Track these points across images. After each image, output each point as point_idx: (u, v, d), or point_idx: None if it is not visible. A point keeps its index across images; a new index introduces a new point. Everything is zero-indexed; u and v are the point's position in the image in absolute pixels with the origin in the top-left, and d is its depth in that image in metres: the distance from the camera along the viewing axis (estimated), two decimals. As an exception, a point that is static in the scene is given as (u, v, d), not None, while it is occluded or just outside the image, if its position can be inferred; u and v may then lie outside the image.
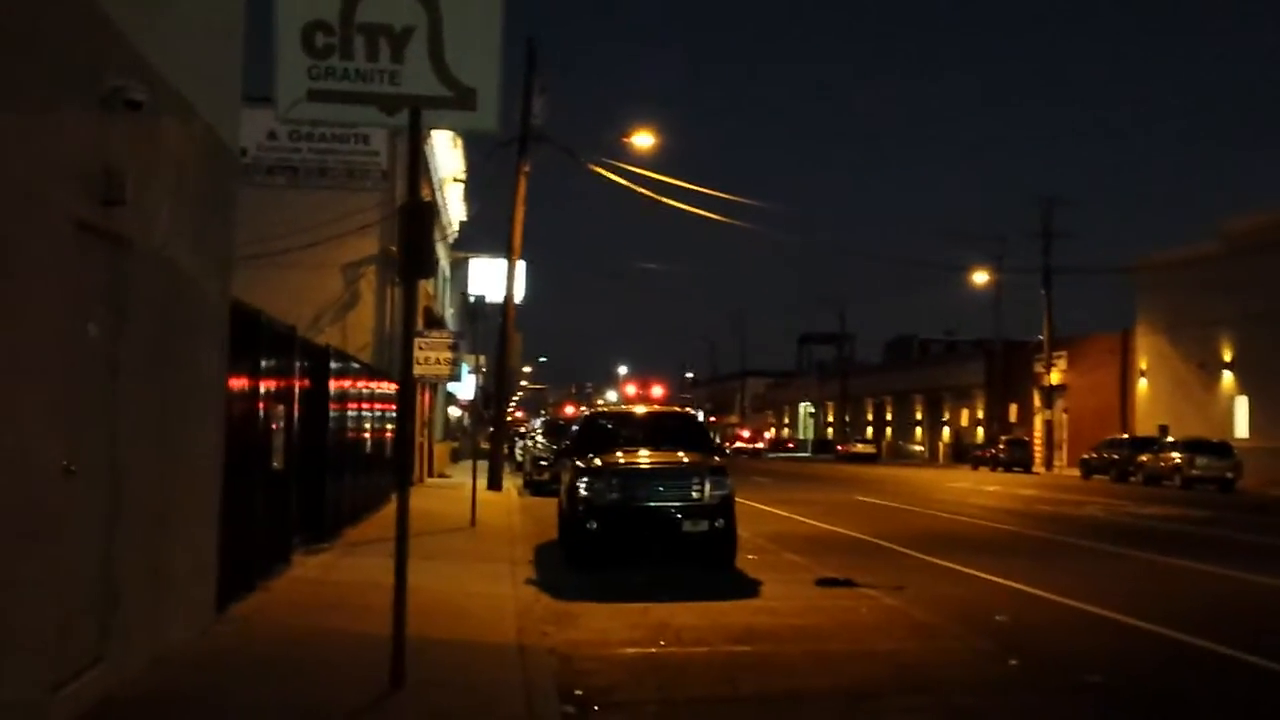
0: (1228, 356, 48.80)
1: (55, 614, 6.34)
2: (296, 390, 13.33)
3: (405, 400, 9.51)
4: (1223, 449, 41.24)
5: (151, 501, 7.90)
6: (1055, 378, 59.95)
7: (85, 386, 6.79)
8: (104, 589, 7.20)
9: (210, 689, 7.63)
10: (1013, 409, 67.97)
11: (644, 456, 15.81)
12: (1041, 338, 60.87)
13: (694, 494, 14.61)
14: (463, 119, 8.53)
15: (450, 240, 41.92)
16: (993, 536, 20.61)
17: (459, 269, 46.07)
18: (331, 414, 15.99)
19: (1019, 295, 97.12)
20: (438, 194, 34.27)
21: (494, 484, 29.45)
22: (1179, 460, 40.99)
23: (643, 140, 32.26)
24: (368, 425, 20.34)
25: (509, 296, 31.46)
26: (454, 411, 52.51)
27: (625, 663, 9.35)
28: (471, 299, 42.09)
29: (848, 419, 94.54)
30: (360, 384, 19.34)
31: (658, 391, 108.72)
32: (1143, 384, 55.62)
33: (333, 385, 16.08)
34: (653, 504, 14.61)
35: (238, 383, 10.53)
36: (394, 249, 12.75)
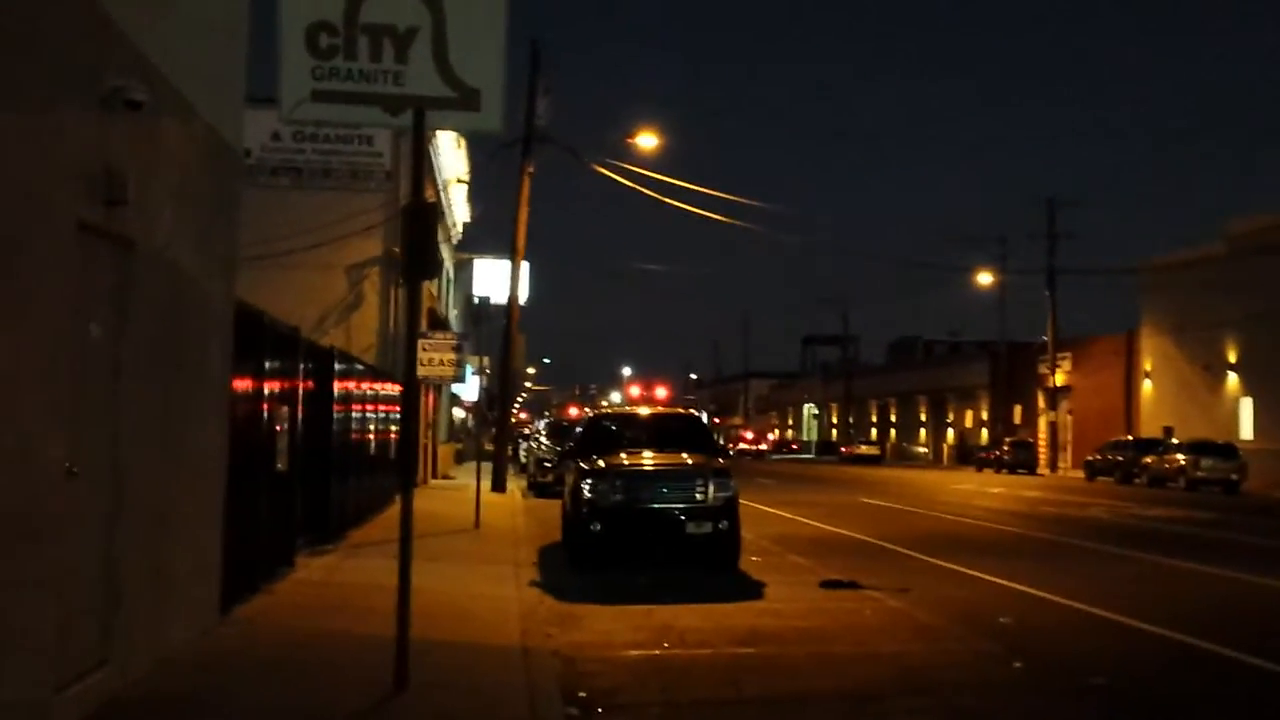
0: (1232, 358, 48.72)
1: (58, 615, 6.33)
2: (300, 392, 13.33)
3: (409, 402, 9.51)
4: (1228, 451, 41.16)
5: (155, 503, 7.89)
6: (1060, 379, 59.87)
7: (87, 388, 6.77)
8: (107, 590, 7.19)
9: (214, 691, 7.62)
10: (1017, 410, 67.88)
11: (648, 458, 15.80)
12: (1046, 339, 60.82)
13: (698, 496, 14.59)
14: (466, 120, 8.54)
15: (454, 241, 41.92)
16: (997, 538, 20.58)
17: (463, 270, 46.08)
18: (336, 415, 15.98)
19: (1023, 296, 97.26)
20: (442, 195, 34.26)
21: (498, 486, 29.45)
22: (1184, 462, 40.92)
23: (646, 141, 32.26)
24: (372, 427, 20.33)
25: (513, 298, 31.46)
26: (458, 413, 52.56)
27: (629, 665, 9.34)
28: (476, 300, 42.11)
29: (851, 420, 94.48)
30: (364, 385, 19.33)
31: (661, 393, 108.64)
32: (1147, 385, 55.54)
33: (337, 386, 16.07)
34: (656, 506, 14.59)
35: (241, 384, 10.52)
36: (398, 250, 12.75)
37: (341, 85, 7.86)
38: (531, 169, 31.00)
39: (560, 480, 20.28)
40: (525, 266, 33.20)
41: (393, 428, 22.52)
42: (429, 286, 30.70)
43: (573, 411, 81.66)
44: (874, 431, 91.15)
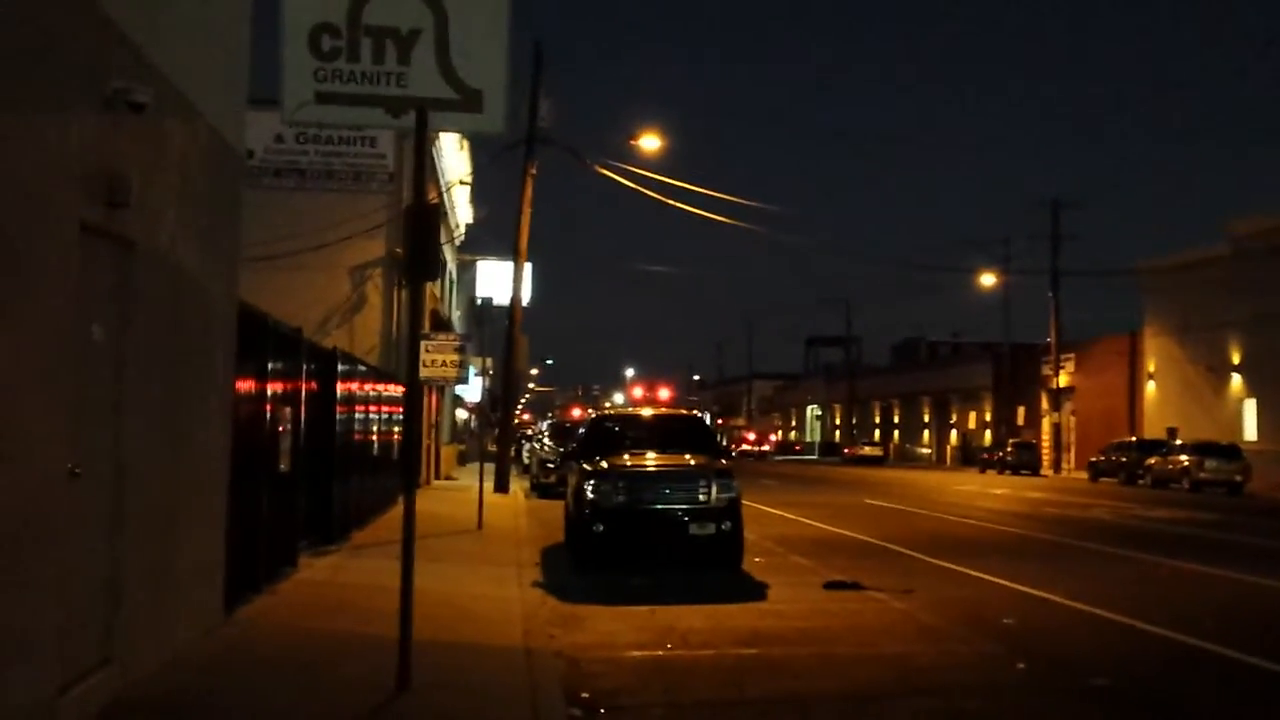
0: (1236, 359, 48.67)
1: (61, 616, 6.33)
2: (303, 393, 13.34)
3: (412, 403, 9.52)
4: (1231, 452, 41.11)
5: (158, 504, 7.90)
6: (1063, 380, 59.84)
7: (90, 388, 6.78)
8: (110, 591, 7.20)
9: (217, 691, 7.62)
10: (1020, 411, 67.87)
11: (650, 459, 15.81)
12: (1049, 340, 60.80)
13: (701, 497, 14.59)
14: (469, 121, 8.54)
15: (457, 242, 41.94)
16: (1000, 539, 20.56)
17: (466, 271, 46.08)
18: (338, 416, 15.99)
19: (1025, 298, 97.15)
20: (445, 196, 34.27)
21: (501, 487, 29.47)
22: (1187, 463, 40.87)
23: (649, 143, 32.28)
24: (375, 428, 20.34)
25: (515, 299, 31.47)
26: (461, 414, 52.56)
27: (632, 665, 9.34)
28: (479, 301, 42.10)
29: (855, 421, 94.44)
30: (367, 386, 19.34)
31: (665, 394, 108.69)
32: (1151, 386, 55.49)
33: (340, 388, 16.08)
34: (659, 507, 14.60)
35: (244, 385, 10.53)
36: (400, 251, 12.75)
37: (344, 87, 7.86)
38: (534, 170, 31.01)
39: (563, 481, 20.28)
40: (528, 267, 33.20)
41: (396, 429, 22.54)
42: (432, 288, 30.73)
43: (575, 412, 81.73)
44: (877, 433, 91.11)
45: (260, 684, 7.88)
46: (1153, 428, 52.50)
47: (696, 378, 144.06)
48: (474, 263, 44.03)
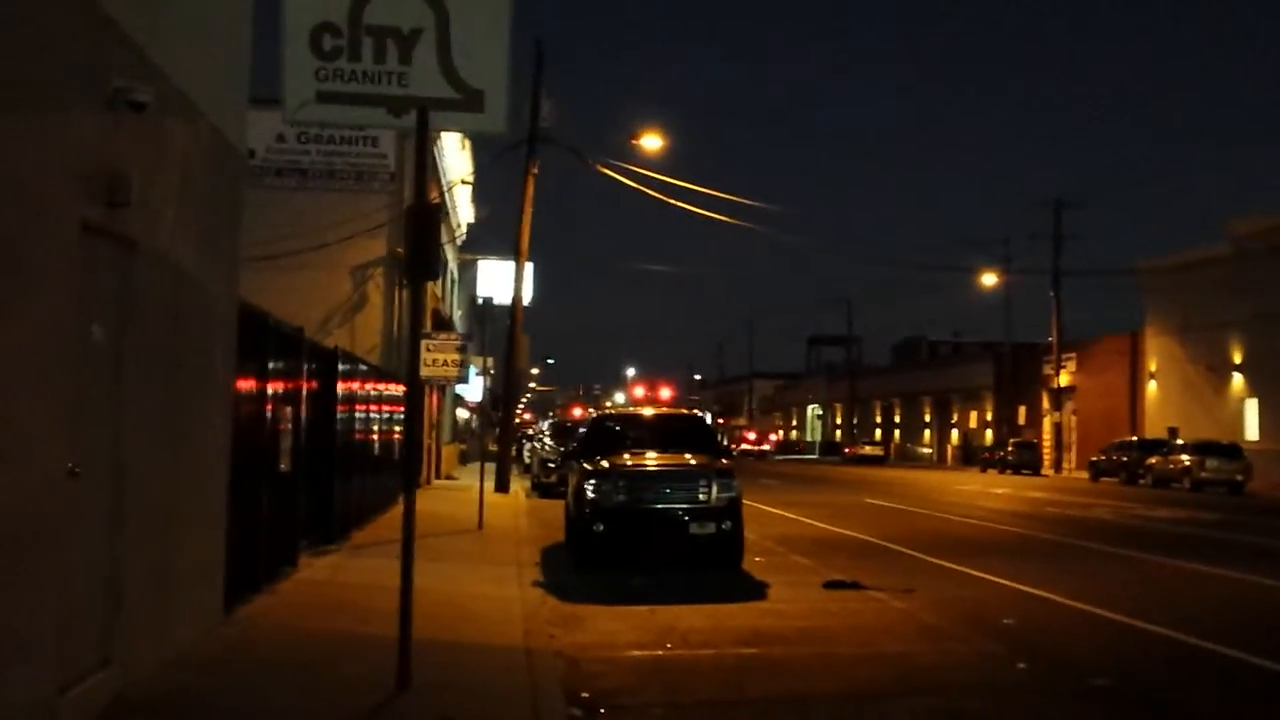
0: (1237, 359, 48.67)
1: (60, 615, 6.33)
2: (304, 392, 13.33)
3: (413, 402, 9.52)
4: (1233, 451, 41.10)
5: (157, 503, 7.90)
6: (1064, 380, 59.85)
7: (90, 388, 6.78)
8: (110, 591, 7.20)
9: (217, 691, 7.63)
10: (1021, 411, 67.86)
11: (651, 459, 15.81)
12: (1050, 340, 60.80)
13: (701, 496, 14.60)
14: (470, 121, 8.54)
15: (459, 242, 41.95)
16: (1001, 539, 20.56)
17: (467, 271, 46.08)
18: (339, 416, 15.99)
19: (1026, 297, 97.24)
20: (446, 196, 34.28)
21: (501, 486, 29.47)
22: (1188, 462, 40.87)
23: (651, 143, 32.28)
24: (376, 427, 20.34)
25: (517, 298, 31.47)
26: (462, 413, 52.57)
27: (632, 665, 9.34)
28: (480, 301, 42.11)
29: (856, 421, 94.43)
30: (368, 386, 19.35)
31: (666, 393, 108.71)
32: (1152, 386, 55.48)
33: (340, 387, 16.08)
34: (660, 506, 14.60)
35: (245, 384, 10.53)
36: (402, 251, 12.76)
37: (345, 86, 7.86)
38: (535, 170, 31.01)
39: (563, 481, 20.29)
40: (529, 267, 33.20)
41: (397, 428, 22.54)
42: (433, 287, 30.74)
43: (576, 412, 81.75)
44: (878, 432, 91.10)
45: (260, 684, 7.88)
46: (1154, 427, 52.50)
47: (697, 377, 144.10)
48: (475, 262, 44.03)
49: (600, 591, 12.93)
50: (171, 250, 7.98)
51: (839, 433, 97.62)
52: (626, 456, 15.84)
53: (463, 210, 40.47)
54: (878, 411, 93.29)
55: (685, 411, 23.90)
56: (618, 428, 18.28)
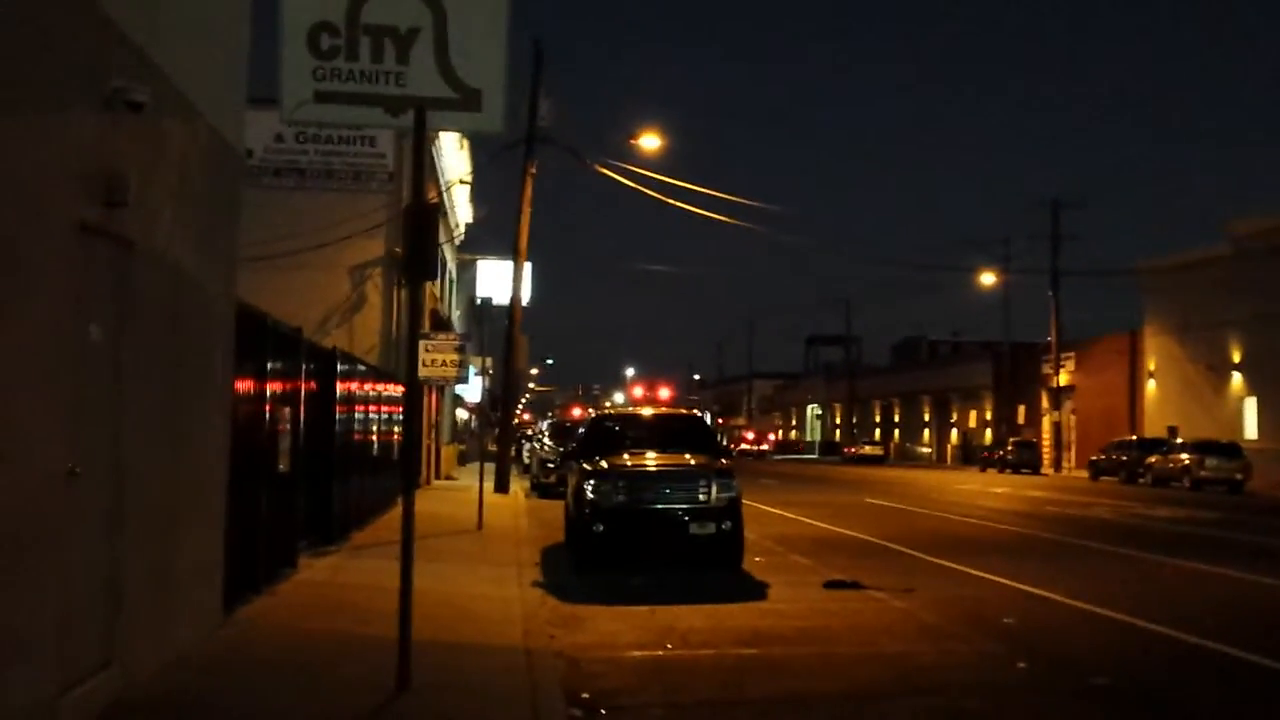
0: (1236, 357, 48.68)
1: (60, 617, 6.32)
2: (303, 392, 13.31)
3: (411, 403, 9.51)
4: (1232, 450, 41.12)
5: (157, 504, 7.89)
6: (1063, 379, 59.89)
7: (89, 388, 6.76)
8: (110, 592, 7.18)
9: (217, 692, 7.61)
10: (1021, 410, 67.89)
11: (650, 459, 15.79)
12: (1049, 339, 60.83)
13: (701, 496, 14.58)
14: (468, 121, 8.52)
15: (457, 242, 41.94)
16: (1001, 538, 20.55)
17: (466, 271, 46.08)
18: (338, 416, 15.97)
19: (1025, 297, 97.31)
20: (445, 196, 34.27)
21: (501, 487, 29.46)
22: (1188, 461, 40.88)
23: (649, 142, 32.27)
24: (375, 427, 20.32)
25: (515, 298, 31.47)
26: (461, 414, 52.56)
27: (632, 665, 9.33)
28: (478, 301, 42.13)
29: (855, 421, 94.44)
30: (367, 386, 19.33)
31: (665, 393, 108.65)
32: (1151, 385, 55.49)
33: (339, 387, 16.07)
34: (659, 506, 14.58)
35: (243, 385, 10.51)
36: (400, 251, 12.75)
37: (343, 86, 7.85)
38: (534, 170, 31.00)
39: (563, 481, 20.28)
40: (528, 267, 33.20)
41: (396, 429, 22.51)
42: (432, 288, 30.72)
43: (576, 412, 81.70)
44: (878, 432, 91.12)
45: (260, 685, 7.87)
46: (1153, 426, 52.51)
47: (697, 377, 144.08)
48: (474, 262, 44.04)
49: (600, 592, 12.91)
50: (169, 250, 7.97)
51: (838, 432, 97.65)
52: (626, 457, 15.83)
53: (461, 210, 40.45)
54: (877, 411, 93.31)
55: (684, 411, 23.89)
56: (617, 428, 18.27)
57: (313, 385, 14.18)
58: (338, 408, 15.91)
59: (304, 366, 13.45)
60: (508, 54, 8.11)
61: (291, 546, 12.86)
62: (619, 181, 31.84)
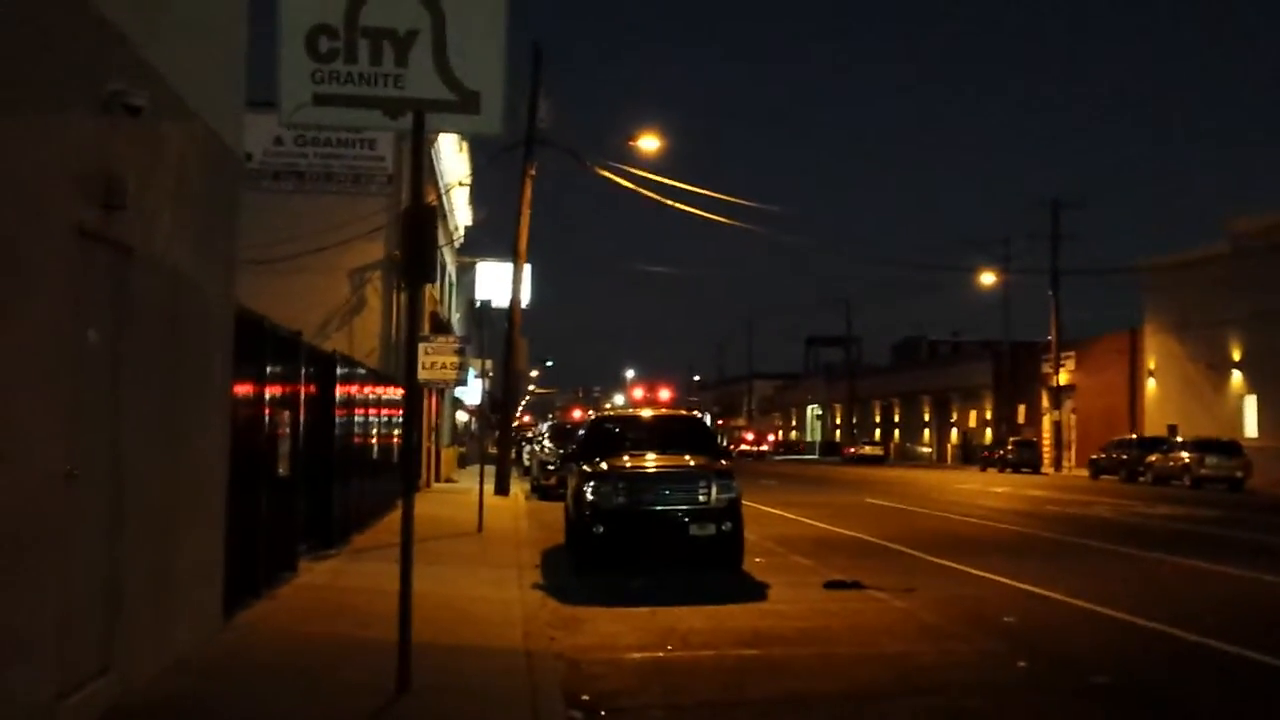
0: (1236, 356, 48.67)
1: (59, 621, 6.32)
2: (302, 396, 13.31)
3: (410, 405, 9.50)
4: (1232, 448, 41.11)
5: (156, 508, 7.88)
6: (1063, 378, 59.88)
7: (87, 392, 6.76)
8: (109, 597, 7.18)
9: (217, 697, 7.61)
10: (1021, 410, 67.88)
11: (650, 460, 15.79)
12: (1049, 338, 60.83)
13: (701, 497, 14.57)
14: (467, 123, 8.53)
15: (457, 245, 41.93)
16: (1001, 538, 20.55)
17: (466, 273, 46.07)
18: (338, 420, 15.96)
19: (1025, 296, 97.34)
20: (444, 198, 34.26)
21: (501, 489, 29.46)
22: (1188, 460, 40.88)
23: (648, 143, 32.25)
24: (375, 431, 20.32)
25: (515, 301, 31.46)
26: (461, 416, 52.53)
27: (632, 667, 9.32)
28: (478, 303, 42.11)
29: (855, 421, 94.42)
30: (367, 389, 19.33)
31: (665, 395, 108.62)
32: (1151, 384, 55.48)
33: (339, 391, 16.06)
34: (659, 508, 14.58)
35: (243, 389, 10.51)
36: (399, 254, 12.73)
37: (341, 88, 7.84)
38: (533, 172, 31.00)
39: (563, 483, 20.27)
40: (527, 269, 33.20)
41: (396, 432, 22.49)
42: (431, 290, 30.72)
43: (576, 414, 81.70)
44: (878, 432, 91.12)
45: (260, 689, 7.86)
46: (1153, 425, 52.50)
47: (697, 378, 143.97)
48: (473, 265, 44.04)
49: (600, 593, 12.91)
50: (168, 254, 7.97)
51: (839, 433, 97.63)
52: (626, 458, 15.82)
53: (461, 213, 40.45)
54: (877, 411, 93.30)
55: (684, 413, 23.90)
56: (617, 429, 18.27)
57: (312, 389, 14.18)
58: (337, 411, 15.90)
59: (304, 370, 13.44)
60: (506, 55, 8.11)
61: (291, 550, 12.86)
62: (618, 183, 31.86)
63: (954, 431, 78.96)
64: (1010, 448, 58.14)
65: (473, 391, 38.92)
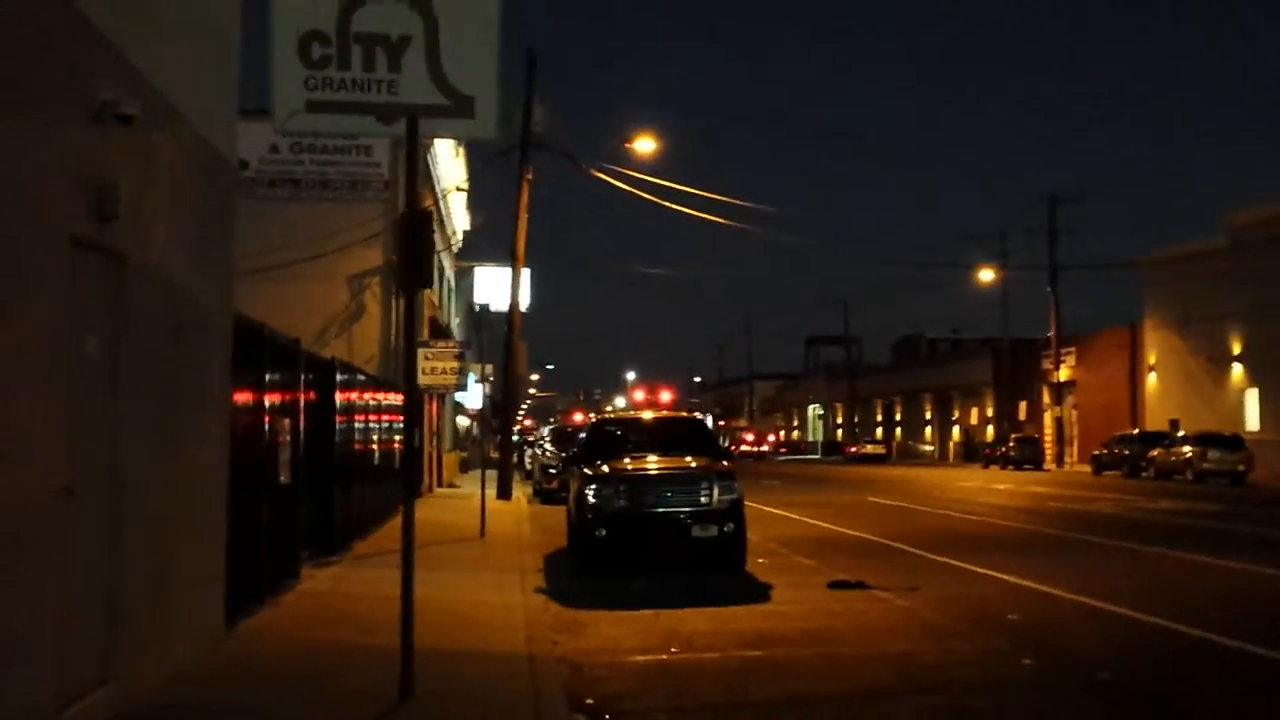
0: (1237, 349, 48.64)
1: (60, 625, 6.31)
2: (302, 403, 13.30)
3: (410, 411, 9.49)
4: (1234, 442, 41.07)
5: (156, 517, 7.87)
6: (1064, 374, 59.87)
7: (85, 403, 6.75)
8: (109, 606, 7.17)
9: (220, 705, 7.60)
10: (1022, 406, 67.84)
11: (652, 462, 15.77)
12: (1049, 334, 60.81)
13: (703, 499, 14.56)
14: (461, 127, 8.50)
15: (455, 249, 41.92)
16: (1004, 535, 20.53)
17: (464, 278, 46.07)
18: (338, 426, 15.96)
19: (1024, 293, 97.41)
20: (441, 203, 34.26)
21: (503, 493, 29.45)
22: (1190, 454, 40.84)
23: (644, 145, 32.25)
24: (375, 437, 20.31)
25: (514, 304, 31.46)
26: (462, 421, 52.53)
27: (636, 670, 9.31)
28: (477, 308, 42.11)
29: (856, 420, 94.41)
30: (367, 395, 19.32)
31: (666, 396, 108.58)
32: (1152, 379, 55.45)
33: (339, 397, 16.05)
34: (661, 510, 14.56)
35: (242, 397, 10.50)
36: (395, 259, 12.74)
37: (335, 95, 7.84)
38: (530, 176, 31.00)
39: (565, 486, 20.26)
40: (526, 273, 33.19)
41: (396, 437, 22.48)
42: (430, 295, 30.71)
43: (577, 417, 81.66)
44: (879, 431, 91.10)
45: (263, 697, 7.85)
46: (1154, 420, 52.48)
47: (697, 379, 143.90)
48: (472, 269, 44.03)
49: (603, 596, 12.90)
50: (163, 263, 7.96)
51: (840, 432, 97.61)
52: (627, 461, 15.80)
53: (458, 217, 40.44)
54: (878, 410, 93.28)
55: (685, 414, 23.88)
56: (618, 432, 18.25)
57: (312, 395, 14.17)
58: (338, 417, 15.89)
59: (303, 377, 13.43)
60: (500, 60, 8.10)
61: (293, 557, 12.84)
62: (615, 185, 31.86)
63: (955, 429, 78.95)
64: (1012, 444, 58.08)
65: (473, 396, 38.92)
